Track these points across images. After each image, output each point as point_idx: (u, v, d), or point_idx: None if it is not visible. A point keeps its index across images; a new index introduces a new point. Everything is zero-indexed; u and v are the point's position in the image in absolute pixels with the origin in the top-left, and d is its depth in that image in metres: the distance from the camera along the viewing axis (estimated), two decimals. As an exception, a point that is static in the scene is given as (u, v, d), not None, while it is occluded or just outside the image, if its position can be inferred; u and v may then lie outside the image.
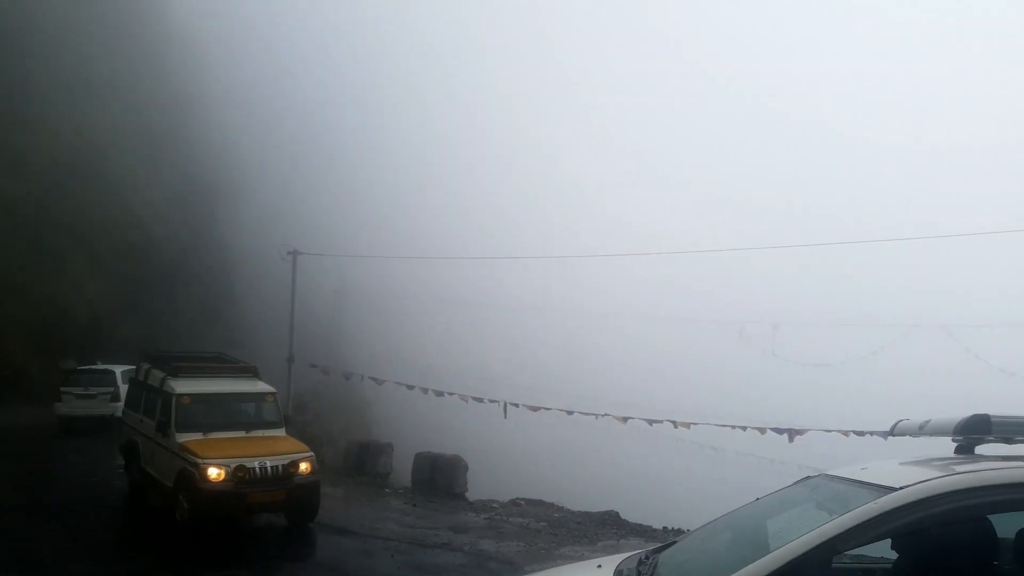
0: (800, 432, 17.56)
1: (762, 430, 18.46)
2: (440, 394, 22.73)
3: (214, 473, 9.28)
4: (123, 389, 30.28)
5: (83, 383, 20.97)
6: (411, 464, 16.59)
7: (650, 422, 21.38)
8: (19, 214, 27.58)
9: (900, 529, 3.03)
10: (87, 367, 22.17)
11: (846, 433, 16.93)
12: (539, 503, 15.45)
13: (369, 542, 10.18)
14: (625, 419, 21.74)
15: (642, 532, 12.46)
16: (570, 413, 22.43)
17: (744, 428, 19.28)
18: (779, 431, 17.88)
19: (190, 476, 9.40)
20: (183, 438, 9.98)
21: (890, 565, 3.68)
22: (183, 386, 10.65)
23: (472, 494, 16.00)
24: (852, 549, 3.19)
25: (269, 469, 9.67)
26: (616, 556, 3.99)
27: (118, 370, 21.14)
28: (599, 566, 3.86)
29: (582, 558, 9.37)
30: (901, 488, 3.02)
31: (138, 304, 33.41)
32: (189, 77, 49.46)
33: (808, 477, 4.17)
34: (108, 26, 39.82)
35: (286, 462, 9.93)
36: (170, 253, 36.83)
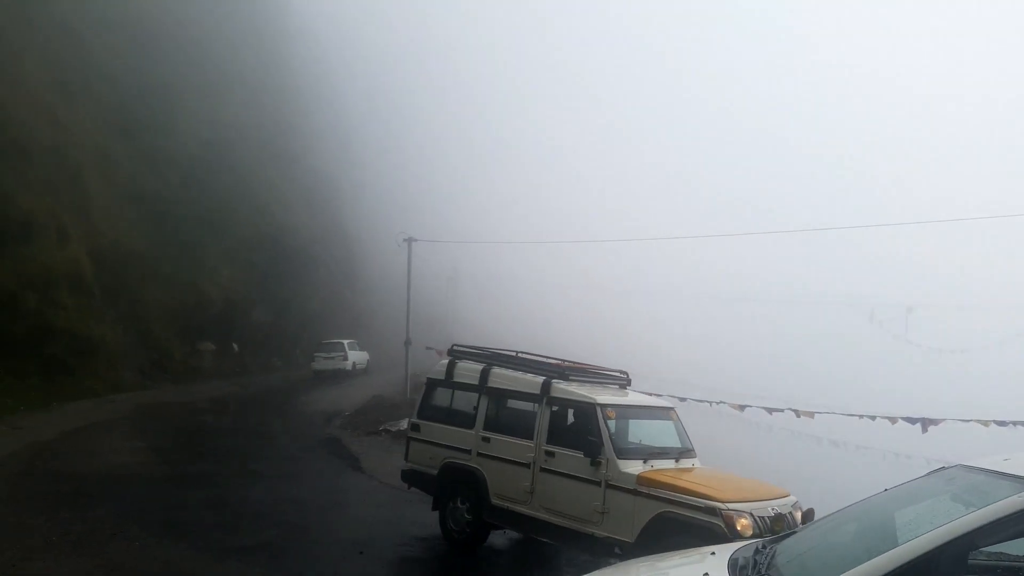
0: (935, 422, 16.32)
1: (893, 420, 17.31)
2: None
3: (744, 524, 6.52)
4: (351, 355, 33.18)
5: (324, 350, 33.02)
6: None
7: (770, 411, 20.52)
8: (160, 208, 30.00)
9: None
10: (328, 340, 34.38)
11: (986, 423, 15.60)
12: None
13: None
14: (742, 407, 20.97)
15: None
16: (682, 400, 21.92)
17: (873, 417, 18.15)
18: (912, 421, 16.69)
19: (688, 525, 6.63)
20: (629, 467, 7.30)
21: None
22: (595, 394, 7.93)
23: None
24: (992, 545, 2.99)
25: (787, 518, 6.86)
26: (732, 544, 3.90)
27: (345, 342, 33.83)
28: (713, 553, 3.79)
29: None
30: (1051, 481, 2.80)
31: (268, 291, 35.60)
32: (312, 73, 51.88)
33: (943, 468, 3.92)
34: (235, 27, 42.36)
35: (789, 508, 7.09)
36: (296, 242, 38.94)
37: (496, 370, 8.74)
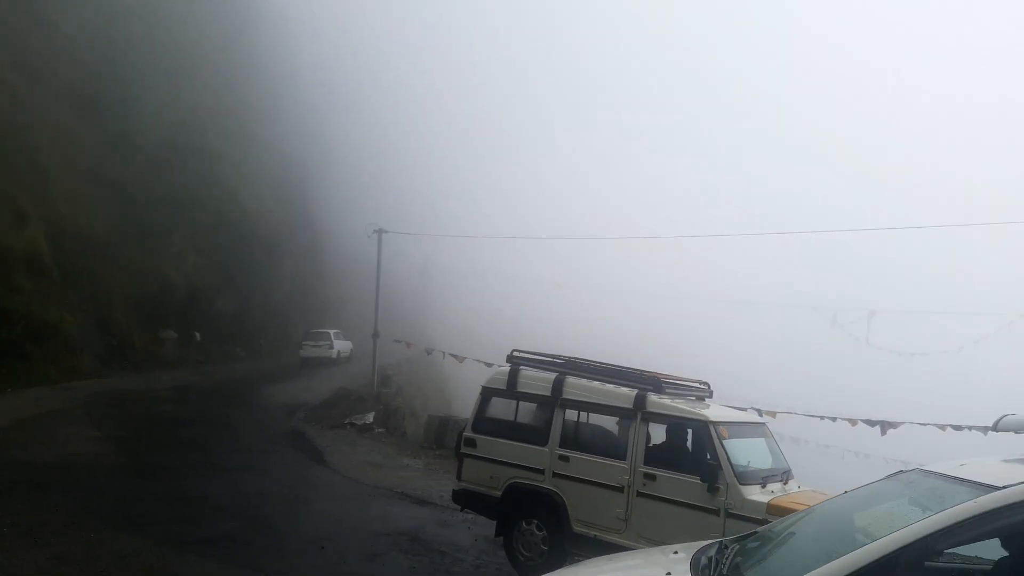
0: (894, 425, 16.73)
1: (853, 421, 17.70)
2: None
3: None
4: (336, 344, 33.57)
5: (312, 339, 34.17)
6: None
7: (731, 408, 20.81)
8: (124, 191, 29.29)
9: (1002, 530, 2.89)
10: (315, 330, 35.66)
11: (943, 427, 16.03)
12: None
13: (447, 513, 10.40)
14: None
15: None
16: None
17: (834, 419, 18.52)
18: (871, 423, 17.09)
19: None
20: (752, 493, 6.65)
21: (989, 567, 3.49)
22: (700, 410, 7.39)
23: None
24: (948, 548, 3.04)
25: None
26: (694, 544, 3.93)
27: (331, 331, 34.81)
28: (675, 552, 3.81)
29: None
30: (1005, 487, 2.87)
31: (233, 278, 35.03)
32: (283, 58, 51.03)
33: (901, 471, 3.99)
34: (204, 6, 41.44)
35: None
36: (264, 229, 38.38)
37: (572, 380, 7.91)
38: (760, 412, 20.51)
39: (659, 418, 7.31)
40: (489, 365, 24.18)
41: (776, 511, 6.21)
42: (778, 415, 20.88)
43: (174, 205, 31.00)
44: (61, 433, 13.40)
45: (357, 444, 16.04)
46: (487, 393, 8.57)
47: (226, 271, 34.44)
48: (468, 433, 8.50)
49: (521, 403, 8.34)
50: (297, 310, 45.01)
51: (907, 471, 3.92)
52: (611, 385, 7.75)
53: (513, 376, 8.32)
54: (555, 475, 7.68)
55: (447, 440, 17.40)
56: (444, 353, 23.70)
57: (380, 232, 25.21)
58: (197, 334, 31.98)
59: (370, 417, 19.17)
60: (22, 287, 20.84)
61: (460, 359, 22.49)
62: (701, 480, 6.73)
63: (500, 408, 8.51)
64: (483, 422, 8.45)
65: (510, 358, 8.64)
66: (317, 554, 7.79)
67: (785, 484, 7.14)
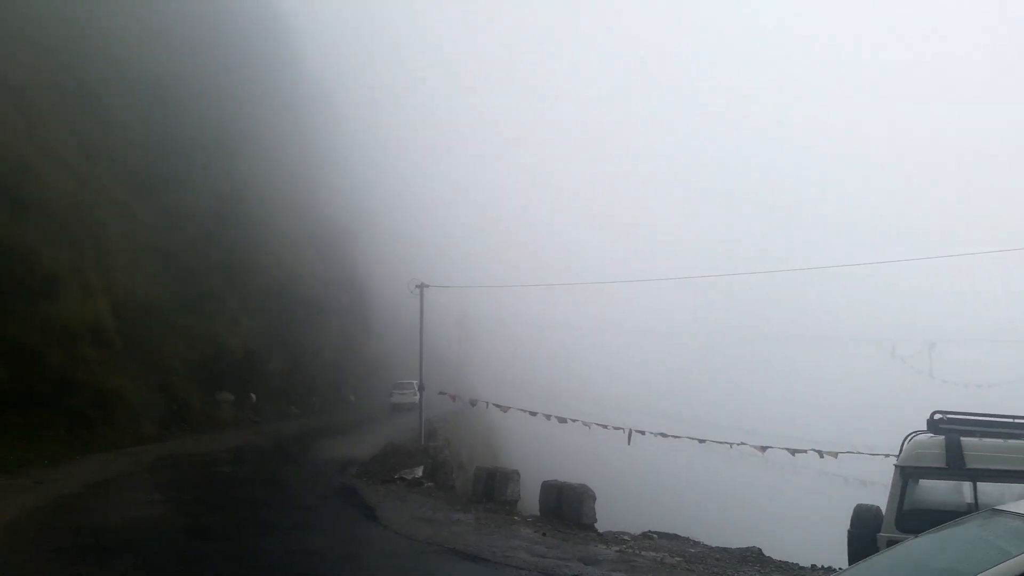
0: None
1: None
2: (563, 420, 22.81)
3: None
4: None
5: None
6: (538, 491, 16.73)
7: (792, 452, 20.33)
8: (180, 261, 30.64)
9: None
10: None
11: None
12: (673, 536, 15.05)
13: (501, 570, 10.39)
14: (764, 448, 20.78)
15: (788, 570, 11.90)
16: (702, 441, 21.78)
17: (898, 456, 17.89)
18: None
19: None
20: None
21: None
22: None
23: (601, 524, 15.89)
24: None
25: None
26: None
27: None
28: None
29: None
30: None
31: (284, 340, 35.98)
32: (323, 129, 53.22)
33: (976, 512, 3.92)
34: (248, 84, 43.66)
35: None
36: (310, 291, 39.47)
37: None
38: (821, 454, 20.05)
39: None
40: (533, 414, 24.30)
41: None
42: (840, 456, 20.30)
43: (226, 273, 32.26)
44: (126, 497, 13.91)
45: (407, 499, 16.17)
46: (910, 474, 6.68)
47: (277, 333, 35.42)
48: (889, 533, 6.31)
49: (980, 486, 6.39)
50: (345, 367, 45.83)
51: (982, 512, 3.79)
52: None
53: (955, 449, 6.42)
54: None
55: (496, 493, 17.40)
56: (488, 404, 23.84)
57: (422, 287, 25.69)
58: (252, 395, 32.82)
59: (419, 471, 19.31)
60: (87, 357, 21.84)
61: (504, 409, 22.60)
62: None
63: (937, 494, 6.69)
64: (911, 517, 6.34)
65: (937, 424, 6.85)
66: (370, 612, 7.93)
67: None
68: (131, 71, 33.03)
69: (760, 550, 13.27)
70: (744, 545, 13.62)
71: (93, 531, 10.92)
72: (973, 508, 6.21)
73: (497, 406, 22.82)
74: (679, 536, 15.00)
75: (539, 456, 41.45)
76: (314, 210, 46.08)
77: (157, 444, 22.67)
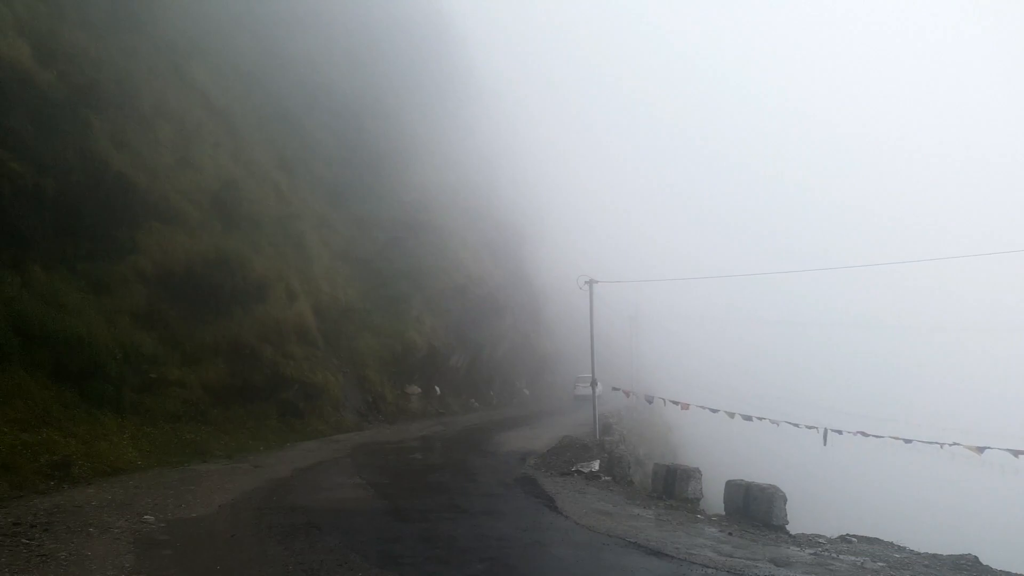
0: None
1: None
2: (748, 419, 21.81)
3: None
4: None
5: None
6: (721, 491, 16.18)
7: (1015, 453, 18.05)
8: (370, 266, 33.11)
9: None
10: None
11: None
12: (874, 540, 14.00)
13: (685, 567, 10.17)
14: (981, 449, 18.64)
15: (1011, 581, 10.63)
16: (908, 442, 19.90)
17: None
18: None
19: None
20: None
21: None
22: None
23: (792, 527, 15.07)
24: None
25: None
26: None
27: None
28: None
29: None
30: None
31: (464, 337, 37.66)
32: (496, 136, 54.94)
33: None
34: (425, 96, 46.11)
35: None
36: (486, 291, 40.97)
37: None
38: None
39: None
40: (714, 411, 23.45)
41: None
42: (986, 451, 18.02)
43: (411, 275, 34.42)
44: (331, 480, 15.21)
45: (586, 491, 16.27)
46: None
47: (457, 331, 37.15)
48: None
49: None
50: (519, 362, 47.04)
51: None
52: None
53: None
54: None
55: (676, 491, 17.02)
56: (665, 400, 23.34)
57: (591, 282, 25.76)
58: (437, 388, 34.73)
59: (596, 465, 19.36)
60: (295, 354, 24.18)
61: (684, 406, 22.02)
62: None
63: None
64: None
65: None
66: (558, 598, 8.07)
67: None
68: (323, 92, 36.17)
69: (976, 557, 11.93)
70: (956, 552, 12.30)
71: (304, 510, 12.03)
72: None
73: (675, 403, 22.27)
74: (881, 540, 13.87)
75: (719, 454, 40.01)
76: (490, 215, 47.82)
77: (356, 433, 24.62)
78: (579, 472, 18.36)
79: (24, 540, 8.97)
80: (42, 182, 17.21)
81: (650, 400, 25.12)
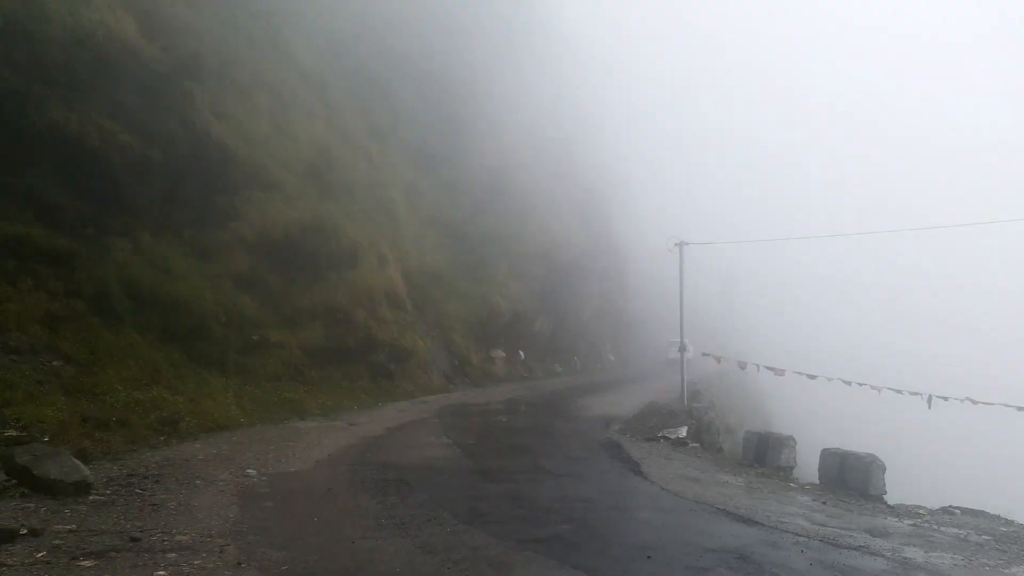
0: None
1: None
2: (848, 384, 20.91)
3: None
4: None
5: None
6: (815, 459, 15.71)
7: None
8: (457, 231, 33.48)
9: None
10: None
11: None
12: (979, 513, 13.33)
13: (776, 534, 9.95)
14: None
15: None
16: (1021, 409, 18.64)
17: None
18: None
19: None
20: None
21: None
22: None
23: (890, 497, 14.50)
24: None
25: None
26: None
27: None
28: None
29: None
30: None
31: (548, 302, 37.73)
32: (581, 98, 53.98)
33: None
34: (514, 59, 45.66)
35: None
36: (571, 255, 40.78)
37: None
38: None
39: None
40: (812, 377, 22.59)
41: None
42: None
43: (496, 240, 34.62)
44: (420, 439, 15.67)
45: (672, 458, 16.11)
46: None
47: (542, 295, 37.24)
48: None
49: None
50: (604, 327, 46.77)
51: None
52: None
53: None
54: None
55: (768, 459, 16.63)
56: (759, 366, 22.67)
57: (681, 245, 25.10)
58: (521, 353, 35.04)
59: (683, 431, 19.10)
60: (385, 317, 24.86)
61: (779, 372, 21.32)
62: None
63: None
64: None
65: None
66: (644, 562, 8.04)
67: None
68: (411, 57, 36.38)
69: (1094, 532, 11.12)
70: (1073, 528, 11.52)
71: (395, 467, 12.45)
72: None
73: (770, 369, 21.58)
74: (986, 513, 13.21)
75: (814, 422, 38.73)
76: (575, 178, 47.31)
77: (443, 395, 25.23)
78: (665, 438, 18.18)
79: (138, 490, 9.68)
80: (149, 153, 18.17)
81: (743, 366, 24.43)
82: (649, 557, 8.21)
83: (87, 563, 6.75)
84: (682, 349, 25.05)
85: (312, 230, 22.76)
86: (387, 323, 24.69)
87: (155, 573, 6.66)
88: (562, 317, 40.00)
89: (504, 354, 33.20)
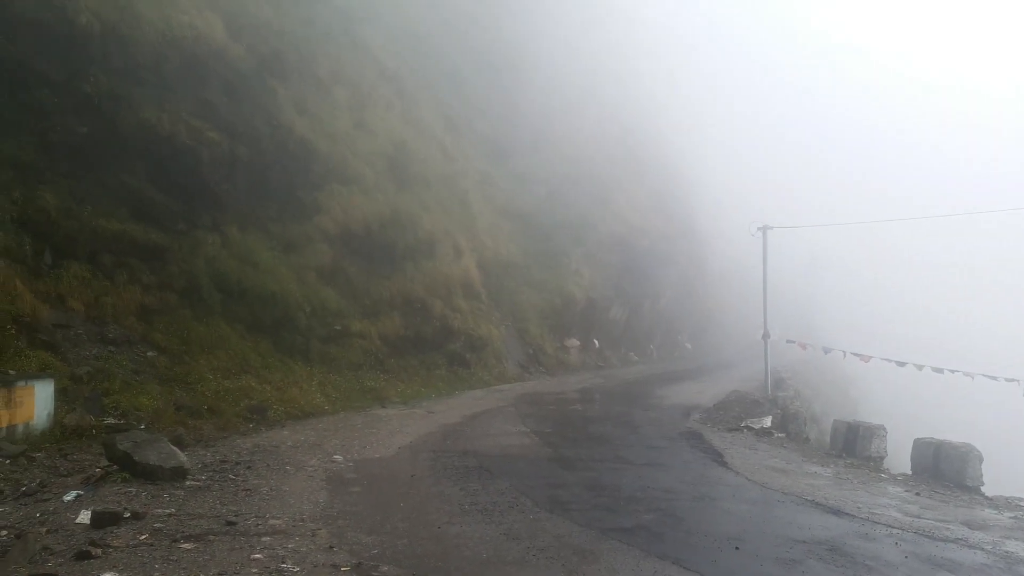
0: None
1: None
2: (939, 371, 19.84)
3: None
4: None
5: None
6: (906, 449, 15.03)
7: None
8: (530, 220, 33.45)
9: None
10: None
11: None
12: (1093, 507, 12.42)
13: (868, 526, 9.57)
14: None
15: None
16: None
17: None
18: None
19: None
20: None
21: None
22: None
23: (988, 489, 13.73)
24: None
25: None
26: None
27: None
28: None
29: None
30: None
31: (624, 289, 37.29)
32: (656, 80, 52.95)
33: None
34: (588, 45, 45.17)
35: None
36: (648, 241, 40.17)
37: None
38: None
39: None
40: (901, 364, 21.53)
41: None
42: None
43: (570, 228, 34.47)
44: (497, 428, 15.78)
45: (757, 448, 15.67)
46: None
47: (617, 283, 36.84)
48: None
49: None
50: (682, 315, 45.89)
51: None
52: None
53: None
54: None
55: (858, 448, 16.01)
56: (845, 353, 21.76)
57: (764, 229, 24.30)
58: (596, 341, 34.77)
59: (767, 421, 18.56)
60: (461, 308, 25.14)
61: (865, 359, 20.42)
62: None
63: None
64: None
65: None
66: (732, 553, 7.85)
67: None
68: (484, 48, 36.51)
69: None
70: None
71: (475, 454, 12.59)
72: None
73: (856, 355, 20.68)
74: (1103, 507, 12.25)
75: (904, 410, 37.05)
76: (652, 163, 46.50)
77: (518, 383, 25.33)
78: (749, 428, 17.72)
79: (231, 476, 10.10)
80: (236, 149, 18.90)
81: (827, 352, 23.49)
82: (737, 548, 8.02)
83: (187, 546, 7.08)
84: (765, 336, 24.31)
85: (390, 222, 23.22)
86: (462, 312, 24.95)
87: (252, 556, 6.92)
88: (638, 304, 39.48)
89: (579, 343, 33.02)
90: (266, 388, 15.90)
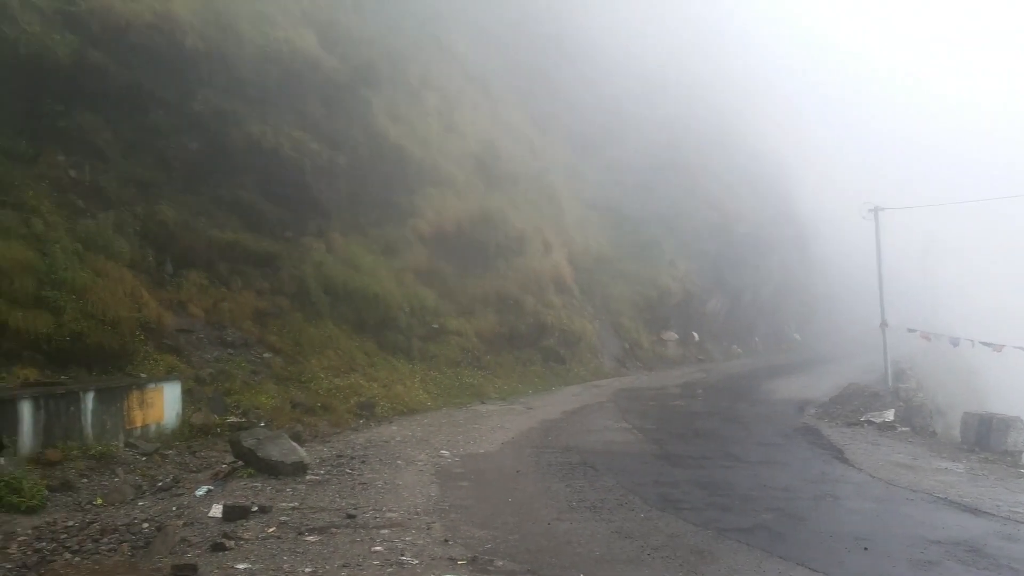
0: None
1: None
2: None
3: None
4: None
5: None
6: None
7: None
8: (620, 212, 32.96)
9: None
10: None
11: None
12: None
13: (1010, 526, 8.84)
14: None
15: None
16: None
17: None
18: None
19: None
20: None
21: None
22: None
23: None
24: None
25: None
26: None
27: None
28: None
29: None
30: None
31: (723, 279, 36.16)
32: (747, 59, 51.00)
33: None
34: (673, 33, 44.04)
35: None
36: (747, 229, 38.73)
37: None
38: None
39: None
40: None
41: None
42: None
43: (662, 218, 33.71)
44: (598, 424, 15.60)
45: (879, 443, 14.80)
46: None
47: (715, 273, 35.77)
48: None
49: None
50: (787, 304, 44.08)
51: None
52: None
53: None
54: None
55: (992, 442, 14.87)
56: (973, 342, 20.24)
57: (876, 210, 22.83)
58: (695, 334, 33.90)
59: (890, 414, 17.50)
60: (553, 303, 25.08)
61: (997, 348, 18.93)
62: None
63: None
64: None
65: None
66: (861, 554, 7.39)
67: None
68: (569, 43, 36.22)
69: None
70: None
71: (577, 450, 12.46)
72: None
73: (987, 345, 19.18)
74: None
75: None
76: (747, 147, 44.75)
77: (615, 378, 25.00)
78: (870, 422, 16.79)
79: (347, 470, 10.39)
80: (335, 158, 19.53)
81: (955, 343, 21.82)
82: (866, 549, 7.55)
83: (312, 538, 7.31)
84: (883, 324, 22.90)
85: (481, 221, 23.45)
86: (555, 308, 24.88)
87: (372, 548, 7.07)
88: (739, 295, 38.19)
89: (676, 336, 32.27)
90: (373, 385, 16.35)
